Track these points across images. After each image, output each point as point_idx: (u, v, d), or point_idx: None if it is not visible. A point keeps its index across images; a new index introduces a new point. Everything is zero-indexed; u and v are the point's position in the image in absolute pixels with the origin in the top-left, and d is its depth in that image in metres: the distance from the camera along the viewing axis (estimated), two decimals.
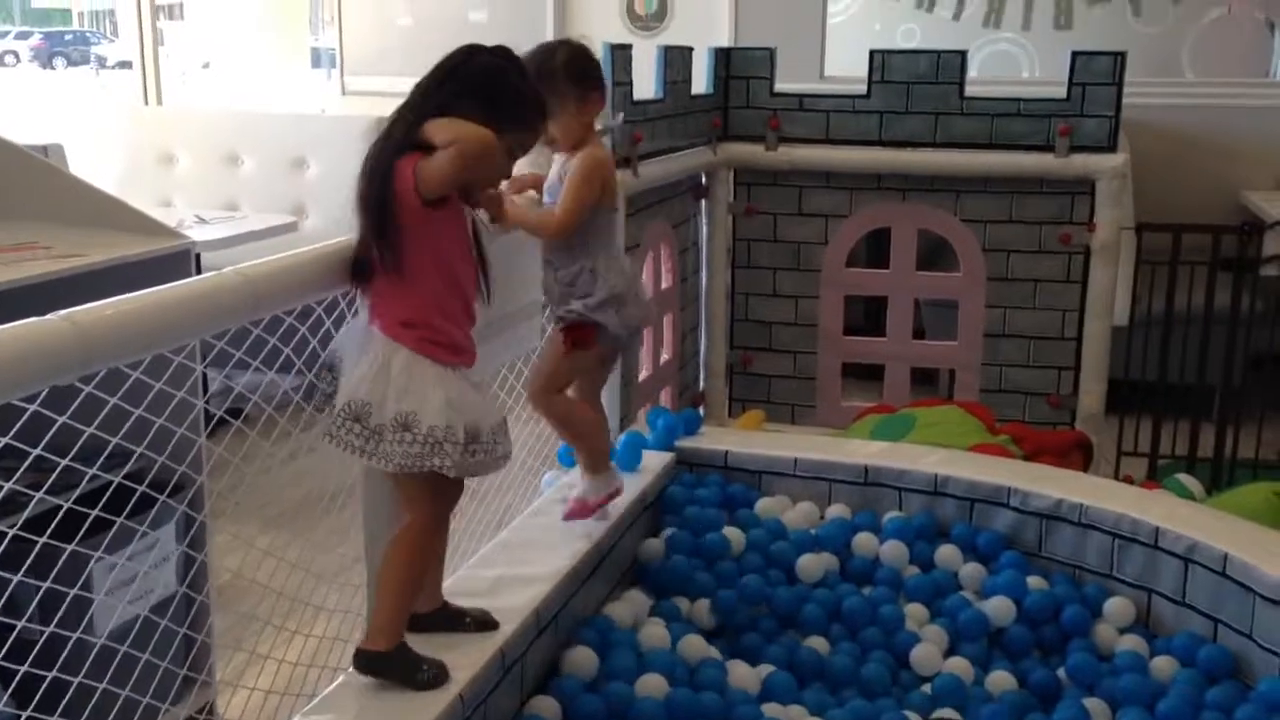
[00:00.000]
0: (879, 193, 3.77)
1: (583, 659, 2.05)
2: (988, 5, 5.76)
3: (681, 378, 3.72)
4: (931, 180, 3.69)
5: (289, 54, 7.88)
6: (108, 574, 1.88)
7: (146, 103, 5.27)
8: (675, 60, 3.30)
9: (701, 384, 3.96)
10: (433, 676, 1.74)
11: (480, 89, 1.72)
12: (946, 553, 2.59)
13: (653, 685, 2.02)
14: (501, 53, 1.77)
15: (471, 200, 1.86)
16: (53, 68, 17.01)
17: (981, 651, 2.38)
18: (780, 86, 3.84)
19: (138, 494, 1.74)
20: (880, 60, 3.65)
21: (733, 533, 2.55)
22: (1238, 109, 5.36)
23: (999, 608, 2.42)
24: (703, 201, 3.81)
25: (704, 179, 3.78)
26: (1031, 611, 2.42)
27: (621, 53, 2.87)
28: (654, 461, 2.73)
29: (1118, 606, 2.40)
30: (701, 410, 3.96)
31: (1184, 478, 3.12)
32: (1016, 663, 2.37)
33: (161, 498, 1.83)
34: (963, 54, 3.60)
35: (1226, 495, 2.92)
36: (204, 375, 2.07)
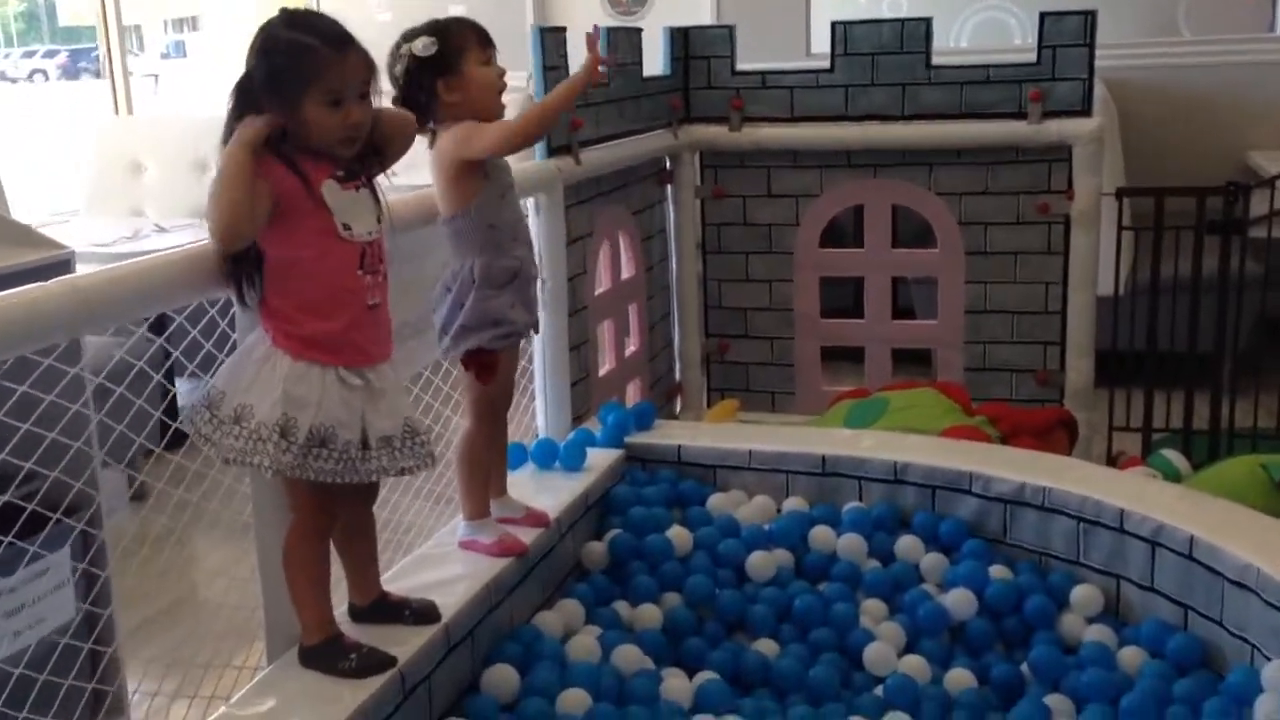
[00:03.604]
0: (849, 170, 3.63)
1: (502, 677, 1.95)
2: None
3: (653, 369, 3.60)
4: (902, 154, 3.55)
5: None
6: None
7: (117, 112, 5.21)
8: (620, 42, 3.17)
9: (678, 375, 3.84)
10: (358, 666, 1.73)
11: (258, 62, 1.66)
12: (907, 544, 2.46)
13: (574, 701, 1.91)
14: (277, 17, 1.69)
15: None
16: (79, 82, 17.16)
17: (941, 648, 2.25)
18: (742, 65, 3.72)
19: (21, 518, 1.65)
20: (842, 32, 3.51)
21: (679, 532, 2.44)
22: (1240, 66, 5.16)
23: (959, 600, 2.29)
24: (668, 186, 3.68)
25: (668, 163, 3.66)
26: (993, 603, 2.29)
27: (553, 35, 2.75)
28: (601, 460, 2.62)
29: (1085, 594, 2.26)
30: (679, 401, 3.86)
31: (1169, 453, 2.96)
32: (977, 658, 2.24)
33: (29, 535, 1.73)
34: (927, 21, 3.45)
35: (1211, 470, 2.77)
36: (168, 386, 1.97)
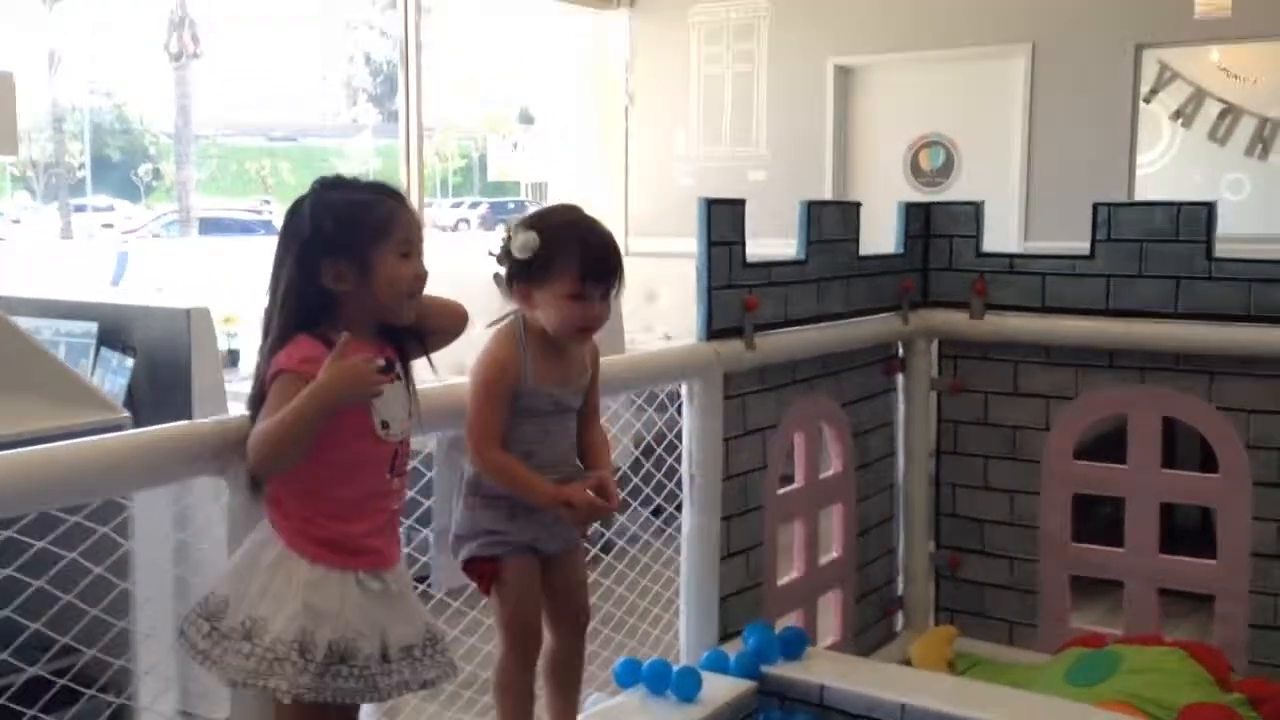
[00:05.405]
0: (1111, 372, 3.11)
1: None
2: None
3: (863, 579, 3.18)
4: (1176, 359, 3.00)
5: (608, 216, 7.94)
6: None
7: None
8: (826, 217, 2.88)
9: (900, 588, 3.39)
10: None
11: (317, 222, 1.54)
12: None
13: None
14: (317, 185, 1.60)
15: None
16: (494, 231, 18.90)
17: None
18: (1044, 244, 3.32)
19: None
20: (1105, 215, 3.05)
21: None
22: None
23: None
24: (898, 376, 3.31)
25: (900, 350, 3.30)
26: None
27: (724, 209, 2.52)
28: (724, 691, 2.27)
29: None
30: (899, 618, 3.40)
31: None
32: None
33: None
34: (1210, 206, 2.93)
35: None
36: None
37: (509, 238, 1.80)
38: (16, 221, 14.42)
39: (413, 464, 1.73)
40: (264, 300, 1.57)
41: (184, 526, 1.73)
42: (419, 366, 1.69)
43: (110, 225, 15.42)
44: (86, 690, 1.77)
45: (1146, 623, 3.07)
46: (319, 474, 1.53)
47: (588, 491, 1.75)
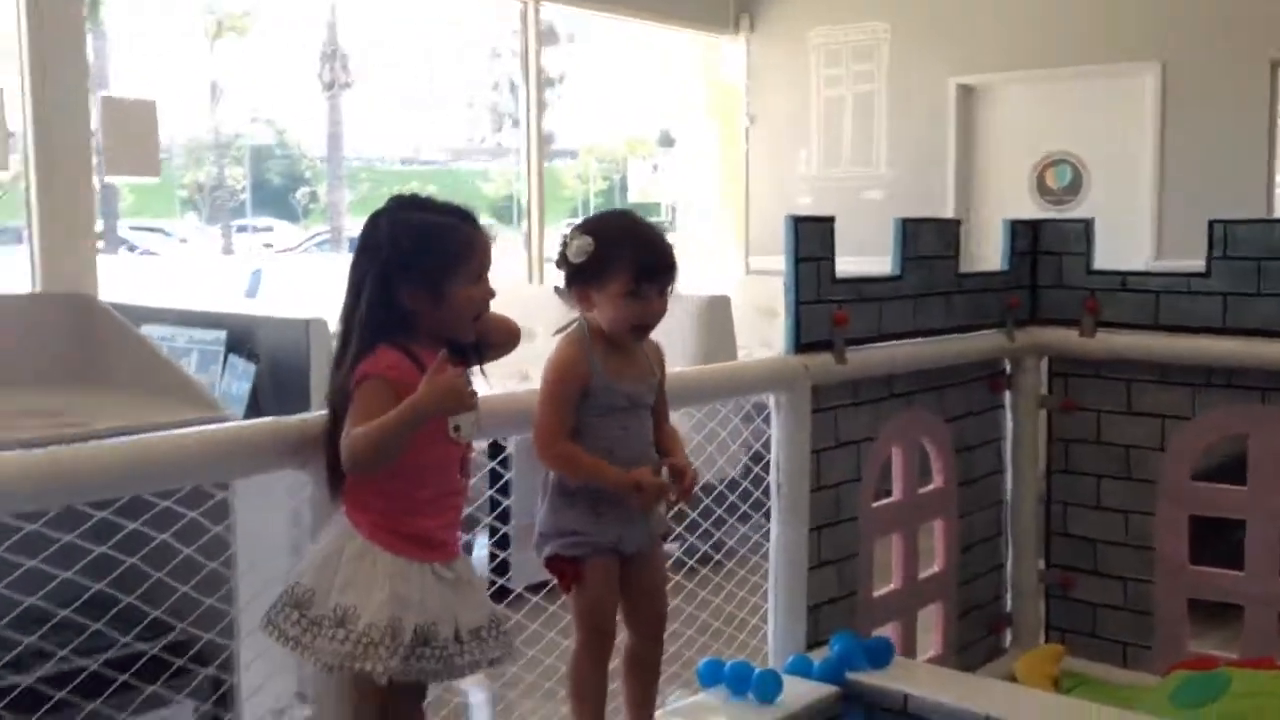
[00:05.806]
0: (1229, 391, 3.02)
1: None
2: None
3: (966, 595, 3.16)
4: None
5: (729, 235, 7.87)
6: None
7: (530, 281, 5.59)
8: (923, 234, 2.88)
9: (1008, 605, 3.35)
10: None
11: (394, 243, 1.63)
12: None
13: None
14: (393, 203, 1.68)
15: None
16: None
17: None
18: (1118, 264, 3.27)
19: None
20: (1221, 232, 2.97)
21: None
22: None
23: None
24: (1005, 393, 3.28)
25: (1007, 367, 3.27)
26: None
27: (811, 227, 2.55)
28: (805, 695, 2.29)
29: None
30: (1008, 635, 3.36)
31: None
32: None
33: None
34: None
35: None
36: None
37: (566, 244, 1.86)
38: (184, 241, 15.32)
39: (494, 464, 1.82)
40: (341, 311, 1.67)
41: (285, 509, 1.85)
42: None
43: (270, 245, 16.26)
44: (193, 666, 1.91)
45: (1267, 648, 2.97)
46: (400, 474, 1.62)
47: (655, 475, 1.81)
